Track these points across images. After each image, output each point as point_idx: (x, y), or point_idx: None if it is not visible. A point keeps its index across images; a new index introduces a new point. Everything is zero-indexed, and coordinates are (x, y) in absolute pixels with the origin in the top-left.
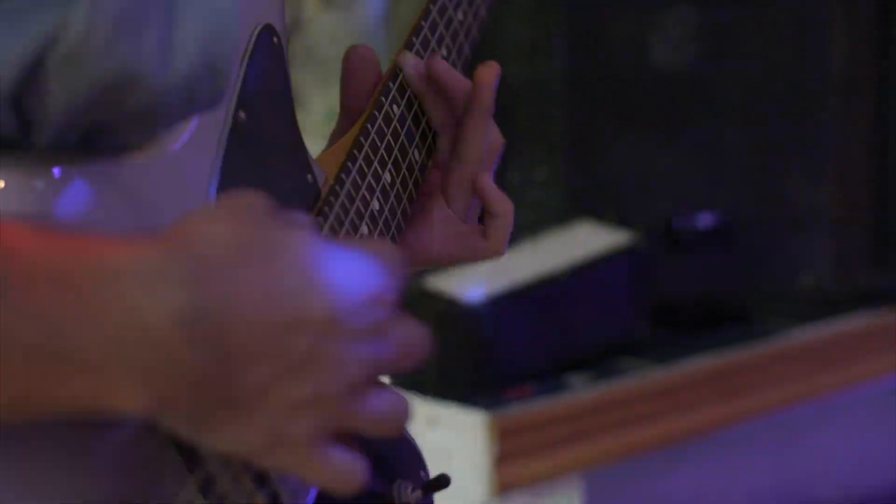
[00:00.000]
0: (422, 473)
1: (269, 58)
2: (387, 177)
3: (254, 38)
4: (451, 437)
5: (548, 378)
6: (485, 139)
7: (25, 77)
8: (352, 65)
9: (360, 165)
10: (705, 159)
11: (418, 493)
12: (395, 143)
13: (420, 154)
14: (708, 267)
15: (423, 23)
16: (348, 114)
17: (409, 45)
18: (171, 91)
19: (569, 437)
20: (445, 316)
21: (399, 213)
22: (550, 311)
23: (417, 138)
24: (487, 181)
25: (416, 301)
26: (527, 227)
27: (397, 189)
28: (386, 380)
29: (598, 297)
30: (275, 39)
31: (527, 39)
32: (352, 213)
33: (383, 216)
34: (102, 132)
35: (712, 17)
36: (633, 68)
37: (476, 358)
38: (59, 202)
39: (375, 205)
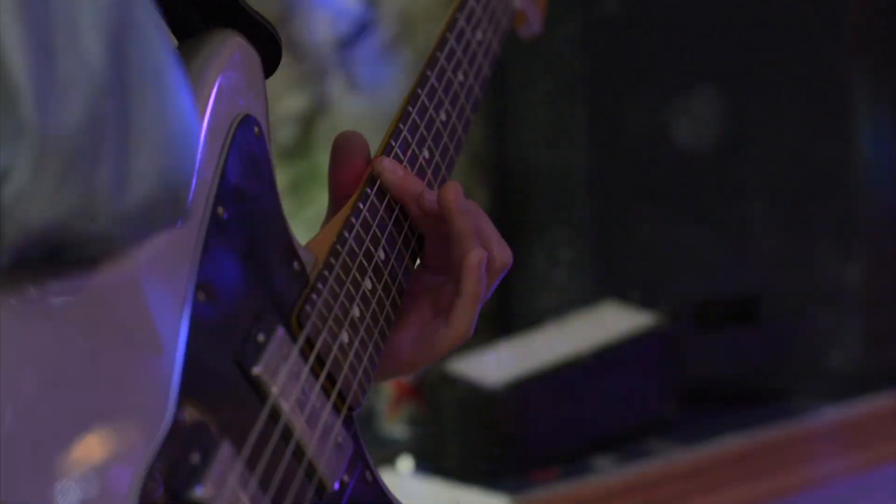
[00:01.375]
0: None
1: (250, 148)
2: (367, 284)
3: (232, 130)
4: None
5: (574, 460)
6: (472, 317)
7: None
8: (338, 152)
9: (338, 273)
10: (732, 237)
11: None
12: (375, 250)
13: (403, 260)
14: (736, 346)
15: (400, 125)
16: (335, 200)
17: (387, 150)
18: (129, 219)
19: None
20: (468, 400)
21: (382, 319)
22: (576, 393)
23: (400, 244)
24: (475, 259)
25: (438, 386)
26: (553, 310)
27: (379, 296)
28: (373, 474)
29: (625, 378)
30: (255, 129)
31: (549, 123)
32: (330, 321)
33: (364, 323)
34: (64, 253)
35: (735, 97)
36: (656, 149)
37: (500, 441)
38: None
39: (356, 312)
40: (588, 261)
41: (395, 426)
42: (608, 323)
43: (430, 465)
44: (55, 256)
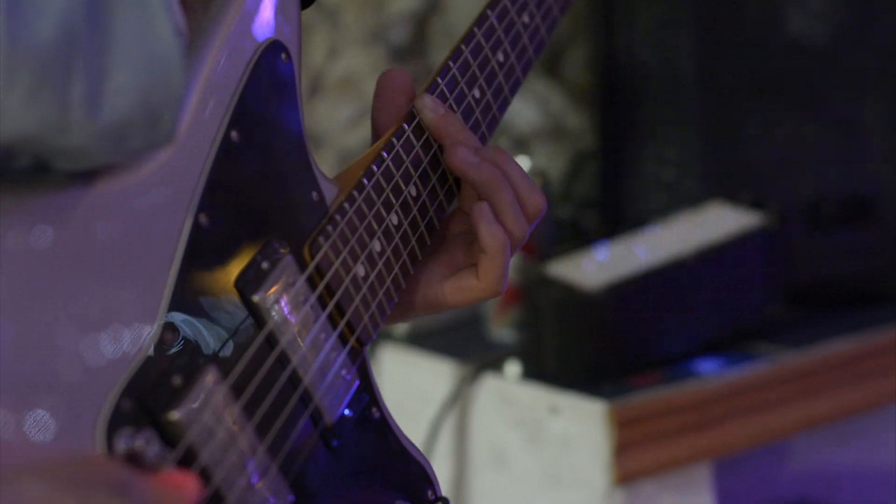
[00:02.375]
0: (429, 494)
1: (275, 74)
2: (393, 218)
3: (257, 55)
4: (572, 426)
5: (675, 365)
6: (502, 271)
7: None
8: (382, 90)
9: (360, 206)
10: (846, 134)
11: None
12: (406, 185)
13: (436, 198)
14: (847, 246)
15: (450, 63)
16: (377, 137)
17: (431, 88)
18: (104, 135)
19: (697, 425)
20: (567, 303)
21: (406, 255)
22: (679, 295)
23: (435, 181)
24: (482, 211)
25: (537, 289)
26: (661, 210)
27: (405, 231)
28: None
29: (730, 279)
30: (283, 55)
31: (656, 17)
32: (345, 253)
33: (384, 258)
34: (46, 165)
35: None
36: (768, 41)
37: (599, 345)
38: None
39: (377, 246)
40: (696, 159)
41: (502, 330)
42: (715, 223)
43: (530, 369)
44: (38, 168)
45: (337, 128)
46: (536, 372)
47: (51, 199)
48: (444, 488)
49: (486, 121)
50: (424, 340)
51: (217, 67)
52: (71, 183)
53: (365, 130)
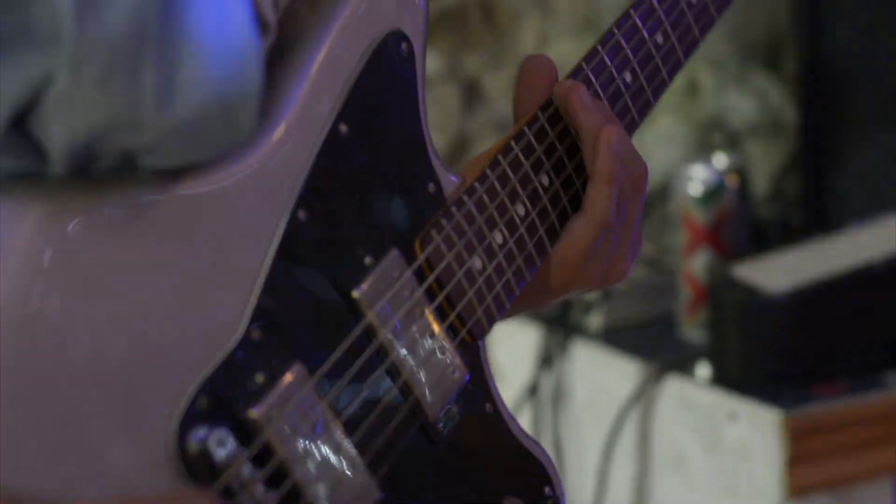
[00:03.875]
0: (546, 490)
1: (393, 65)
2: (519, 209)
3: (374, 45)
4: (749, 433)
5: (862, 375)
6: (608, 201)
7: (19, 114)
8: (523, 77)
9: (481, 197)
10: None
11: None
12: (536, 174)
13: (572, 187)
14: None
15: (599, 47)
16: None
17: (574, 73)
18: (177, 130)
19: (881, 439)
20: (749, 306)
21: (531, 246)
22: (867, 303)
23: (571, 170)
24: (606, 133)
25: (721, 290)
26: (863, 212)
27: (531, 222)
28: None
29: None
30: (404, 45)
31: (865, 18)
32: (459, 246)
33: (506, 249)
34: (128, 162)
35: None
36: None
37: (782, 351)
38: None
39: (498, 238)
40: None
41: (693, 330)
42: None
43: (716, 373)
44: (125, 167)
45: None
46: (720, 376)
47: (139, 197)
48: (624, 489)
49: (636, 105)
50: (617, 337)
51: (331, 58)
52: (160, 180)
53: None
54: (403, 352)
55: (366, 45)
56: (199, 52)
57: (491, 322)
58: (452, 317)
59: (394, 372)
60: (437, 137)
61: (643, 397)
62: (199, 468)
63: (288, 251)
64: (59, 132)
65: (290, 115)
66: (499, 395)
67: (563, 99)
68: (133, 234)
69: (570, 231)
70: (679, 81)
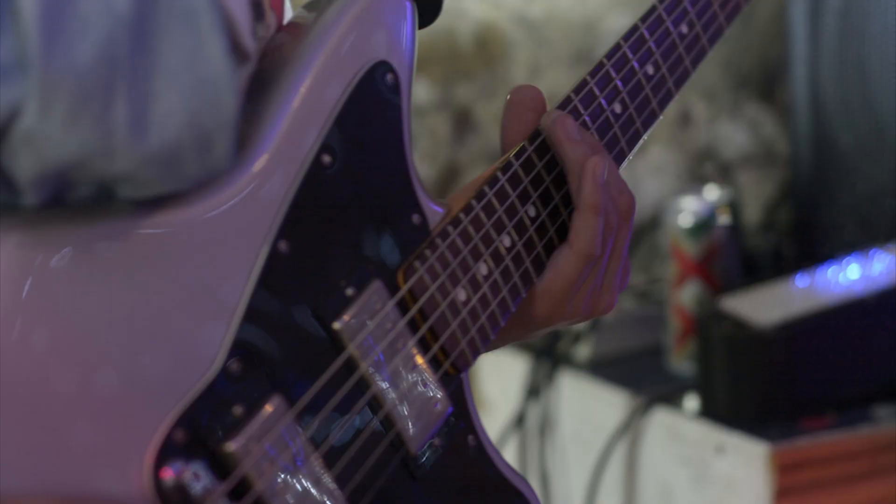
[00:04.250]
0: None
1: (378, 96)
2: (505, 241)
3: (358, 78)
4: (736, 467)
5: (850, 408)
6: (593, 232)
7: None
8: (511, 107)
9: (465, 228)
10: None
11: None
12: (523, 206)
13: (558, 218)
14: None
15: (588, 77)
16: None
17: (563, 103)
18: (152, 161)
19: (869, 473)
20: (737, 339)
21: (516, 277)
22: (856, 336)
23: (558, 201)
24: (591, 164)
25: (709, 322)
26: (854, 245)
27: (517, 253)
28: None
29: None
30: (389, 77)
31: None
32: (443, 277)
33: (490, 281)
34: (106, 192)
35: None
36: None
37: (769, 384)
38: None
39: (482, 269)
40: (890, 195)
41: (682, 362)
42: None
43: (703, 405)
44: (103, 197)
45: None
46: (708, 409)
47: (117, 227)
48: None
49: (625, 136)
50: (604, 369)
51: (315, 87)
52: (139, 210)
53: None
54: (385, 384)
55: (351, 76)
56: (172, 82)
57: (475, 354)
58: (436, 349)
59: (375, 405)
60: (429, 166)
61: (630, 429)
62: (174, 503)
63: (268, 282)
64: (27, 164)
65: (273, 146)
66: (482, 427)
67: (549, 130)
68: (110, 263)
69: (554, 262)
70: (671, 111)
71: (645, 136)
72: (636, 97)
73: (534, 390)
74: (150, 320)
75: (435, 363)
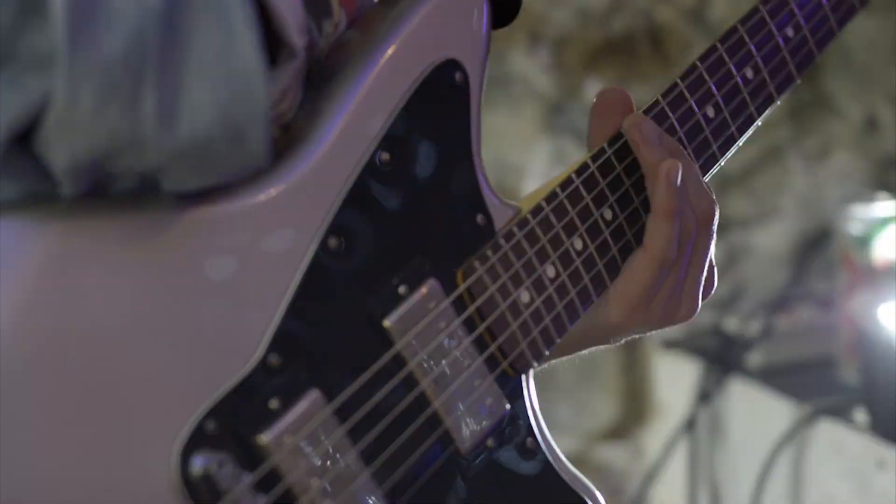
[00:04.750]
0: None
1: (444, 94)
2: (576, 243)
3: (424, 75)
4: None
5: None
6: (667, 237)
7: (19, 135)
8: (598, 109)
9: (533, 230)
10: None
11: None
12: (598, 209)
13: (638, 222)
14: None
15: (679, 81)
16: None
17: (650, 108)
18: (183, 154)
19: None
20: None
21: (587, 280)
22: None
23: (637, 205)
24: (665, 168)
25: (871, 340)
26: None
27: (589, 256)
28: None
29: None
30: (457, 75)
31: None
32: (505, 278)
33: (557, 283)
34: (148, 184)
35: None
36: None
37: None
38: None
39: (549, 271)
40: None
41: (852, 373)
42: None
43: (871, 418)
44: (146, 189)
45: None
46: (874, 422)
47: (162, 217)
48: None
49: (718, 141)
50: (775, 377)
51: (378, 84)
52: (186, 200)
53: None
54: (434, 382)
55: (417, 73)
56: (202, 75)
57: (537, 356)
58: (493, 348)
59: (422, 402)
60: None
61: (795, 439)
62: (201, 492)
63: (315, 277)
64: (60, 153)
65: (330, 141)
66: (543, 430)
67: (628, 132)
68: (153, 251)
69: (629, 266)
70: (857, 116)
71: (740, 142)
72: (732, 101)
73: (704, 395)
74: (190, 309)
75: (492, 363)
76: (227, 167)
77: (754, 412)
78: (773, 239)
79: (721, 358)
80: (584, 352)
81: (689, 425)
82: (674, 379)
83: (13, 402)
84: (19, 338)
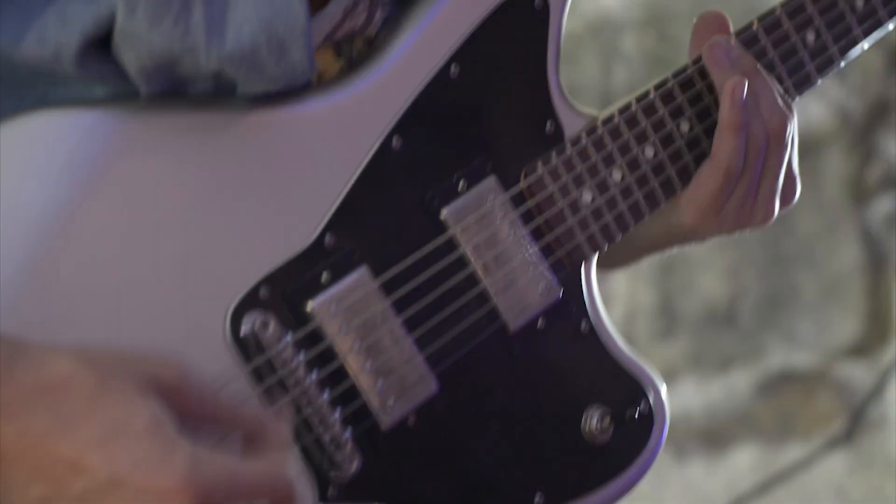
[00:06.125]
0: (641, 403)
1: (522, 17)
2: (647, 151)
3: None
4: None
5: None
6: (733, 149)
7: (91, 43)
8: (696, 30)
9: (600, 137)
10: None
11: (607, 423)
12: (674, 120)
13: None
14: None
15: (779, 7)
16: None
17: (744, 29)
18: (235, 61)
19: None
20: None
21: (656, 184)
22: None
23: (717, 118)
24: (731, 85)
25: None
26: None
27: (659, 163)
28: None
29: None
30: (537, 1)
31: None
32: (567, 178)
33: (623, 186)
34: (223, 87)
35: None
36: None
37: None
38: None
39: (615, 175)
40: None
41: None
42: None
43: None
44: (223, 92)
45: None
46: None
47: (234, 115)
48: None
49: (815, 62)
50: None
51: (457, 5)
52: (259, 103)
53: None
54: (484, 266)
55: None
56: None
57: (595, 249)
58: (549, 238)
59: (472, 280)
60: (857, 100)
61: None
62: (250, 347)
63: (375, 171)
64: (129, 58)
65: (404, 55)
66: (601, 316)
67: (704, 54)
68: (223, 146)
69: (699, 174)
70: None
71: (842, 63)
72: (835, 25)
73: None
74: (255, 196)
75: (548, 251)
76: (275, 74)
77: None
78: None
79: None
80: (673, 250)
81: None
82: None
83: (127, 240)
84: (119, 203)
